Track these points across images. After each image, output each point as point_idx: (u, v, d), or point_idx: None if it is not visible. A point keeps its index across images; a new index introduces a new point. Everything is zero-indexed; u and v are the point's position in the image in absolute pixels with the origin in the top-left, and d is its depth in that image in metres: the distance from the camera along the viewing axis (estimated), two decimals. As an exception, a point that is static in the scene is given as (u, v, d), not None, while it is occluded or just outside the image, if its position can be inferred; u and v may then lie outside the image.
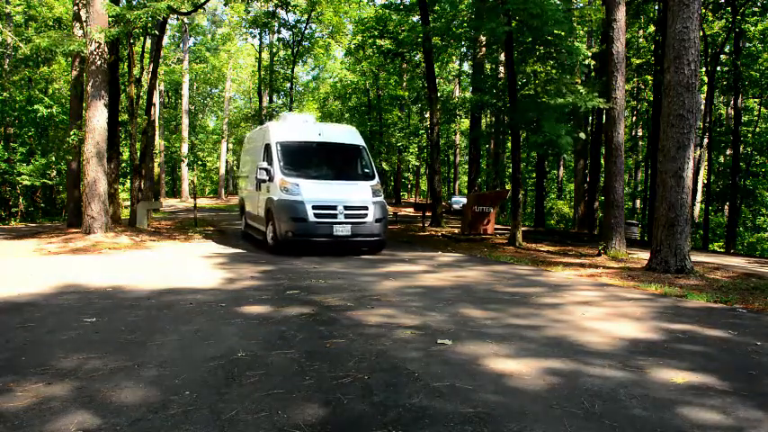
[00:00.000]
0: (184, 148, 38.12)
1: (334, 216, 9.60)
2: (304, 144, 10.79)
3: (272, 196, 9.98)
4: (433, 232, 16.31)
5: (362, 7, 28.15)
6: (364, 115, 32.86)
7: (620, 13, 11.16)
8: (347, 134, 11.55)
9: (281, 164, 10.10)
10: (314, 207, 9.51)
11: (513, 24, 12.32)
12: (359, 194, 10.05)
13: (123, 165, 20.18)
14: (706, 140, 23.32)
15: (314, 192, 9.66)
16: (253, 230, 12.16)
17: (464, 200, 22.06)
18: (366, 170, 10.89)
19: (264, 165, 10.31)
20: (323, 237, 9.60)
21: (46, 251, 10.12)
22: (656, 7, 20.46)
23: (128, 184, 20.91)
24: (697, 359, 4.04)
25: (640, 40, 24.38)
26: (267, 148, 10.79)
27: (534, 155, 27.08)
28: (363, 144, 11.35)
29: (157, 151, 30.95)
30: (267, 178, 10.16)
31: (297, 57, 28.87)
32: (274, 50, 29.73)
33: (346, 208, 9.70)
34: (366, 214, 9.92)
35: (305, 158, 10.77)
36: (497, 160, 28.16)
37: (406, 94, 32.00)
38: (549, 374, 3.61)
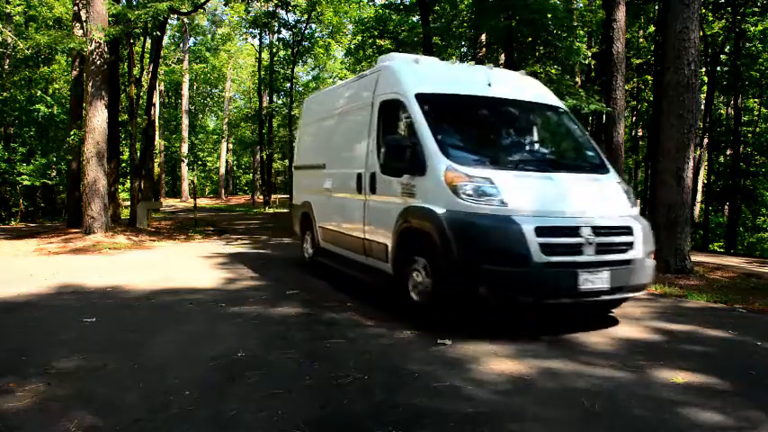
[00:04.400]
0: (184, 148, 38.13)
1: (578, 250, 4.46)
2: (471, 101, 5.66)
3: (428, 205, 4.76)
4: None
5: (362, 7, 28.16)
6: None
7: (620, 13, 11.16)
8: (531, 87, 6.34)
9: (441, 138, 4.95)
10: (539, 231, 4.34)
11: (513, 24, 12.34)
12: (607, 202, 4.97)
13: (123, 165, 20.16)
14: (706, 140, 23.32)
15: (529, 198, 4.59)
16: (341, 264, 6.74)
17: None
18: (588, 152, 5.72)
19: (401, 139, 5.26)
20: (559, 296, 4.54)
21: (46, 251, 10.12)
22: (656, 7, 20.46)
23: (128, 184, 20.89)
24: (697, 359, 4.04)
25: (640, 40, 24.37)
26: (388, 108, 5.69)
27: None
28: (563, 106, 6.32)
29: (157, 151, 30.96)
30: (406, 166, 5.07)
31: (297, 57, 28.84)
32: (274, 50, 29.70)
33: (597, 232, 4.54)
34: (631, 244, 4.72)
35: (479, 129, 5.80)
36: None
37: (407, 93, 31.95)
38: (549, 374, 3.61)
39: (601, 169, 5.45)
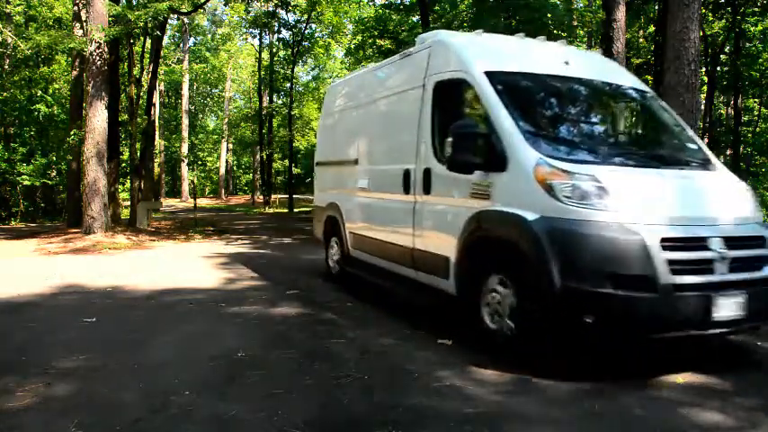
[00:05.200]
0: (184, 148, 38.14)
1: (708, 267, 3.53)
2: (551, 81, 4.74)
3: (512, 210, 3.83)
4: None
5: (362, 7, 28.17)
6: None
7: (620, 13, 11.16)
8: (611, 67, 5.61)
9: (524, 124, 4.06)
10: (665, 244, 3.42)
11: (513, 24, 12.36)
12: (731, 205, 4.03)
13: (123, 165, 20.16)
14: (706, 140, 23.31)
15: (644, 200, 3.67)
16: (379, 277, 5.78)
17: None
18: (690, 145, 4.75)
19: (474, 126, 4.20)
20: (689, 328, 3.55)
21: (46, 251, 10.12)
22: (656, 7, 20.47)
23: (128, 184, 20.89)
24: (697, 359, 4.04)
25: (640, 40, 24.38)
26: (447, 90, 4.76)
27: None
28: (651, 90, 5.43)
29: (157, 151, 30.96)
30: (479, 160, 4.07)
31: (297, 57, 28.82)
32: (274, 50, 29.71)
33: (729, 243, 3.60)
34: (766, 258, 3.85)
35: (564, 115, 4.83)
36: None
37: (407, 94, 31.87)
38: (549, 374, 3.60)
39: (709, 165, 4.45)
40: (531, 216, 3.63)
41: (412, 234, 4.98)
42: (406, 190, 5.07)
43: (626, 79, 5.24)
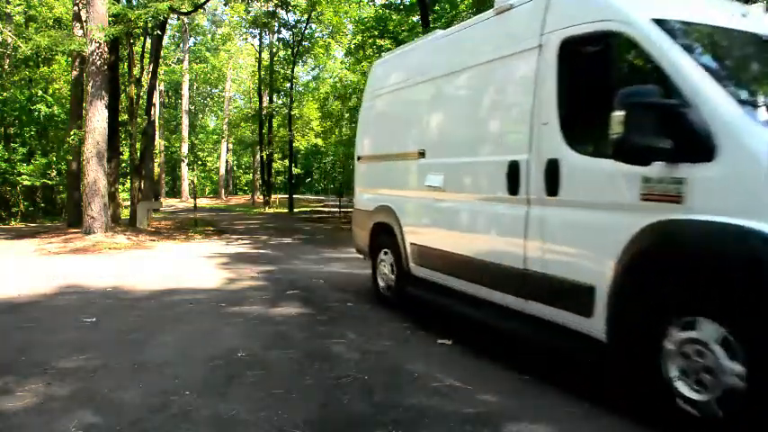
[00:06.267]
0: (184, 148, 38.15)
1: None
2: (741, 37, 3.29)
3: (734, 220, 2.43)
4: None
5: (362, 7, 28.18)
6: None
7: (621, 13, 11.16)
8: None
9: (740, 94, 2.68)
10: None
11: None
12: None
13: (123, 165, 20.17)
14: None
15: None
16: (465, 305, 4.37)
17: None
18: None
19: (658, 93, 2.66)
20: None
21: (46, 251, 10.12)
22: (656, 7, 20.50)
23: (128, 184, 20.90)
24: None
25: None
26: (583, 49, 3.37)
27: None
28: None
29: (157, 151, 30.96)
30: (665, 146, 2.61)
31: (297, 57, 28.84)
32: (274, 50, 29.71)
33: None
34: None
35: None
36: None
37: (407, 93, 31.81)
38: (548, 374, 3.60)
39: None
40: None
41: (523, 250, 3.66)
42: (513, 190, 3.75)
43: None
